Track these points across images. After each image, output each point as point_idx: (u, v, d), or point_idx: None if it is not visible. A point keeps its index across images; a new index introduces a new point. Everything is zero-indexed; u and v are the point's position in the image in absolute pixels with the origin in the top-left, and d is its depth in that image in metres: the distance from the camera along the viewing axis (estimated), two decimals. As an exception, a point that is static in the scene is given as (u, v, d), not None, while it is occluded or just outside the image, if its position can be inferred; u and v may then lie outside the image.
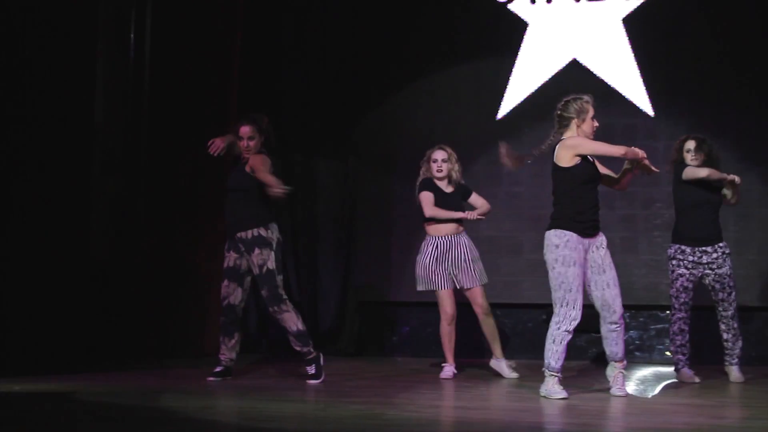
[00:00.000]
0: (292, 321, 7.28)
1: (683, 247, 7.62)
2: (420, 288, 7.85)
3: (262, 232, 7.23)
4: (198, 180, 9.11)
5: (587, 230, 6.49)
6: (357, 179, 9.79)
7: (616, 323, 6.53)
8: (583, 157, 6.53)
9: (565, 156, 6.49)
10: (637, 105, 9.31)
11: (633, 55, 9.33)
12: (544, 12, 9.60)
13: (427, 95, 9.82)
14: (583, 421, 5.66)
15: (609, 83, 9.37)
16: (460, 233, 7.82)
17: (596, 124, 6.67)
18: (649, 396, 6.73)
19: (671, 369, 7.86)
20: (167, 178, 9.06)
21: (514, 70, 9.57)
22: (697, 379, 7.50)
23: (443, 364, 7.83)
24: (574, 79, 9.38)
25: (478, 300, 7.79)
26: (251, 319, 9.72)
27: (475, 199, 7.97)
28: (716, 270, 7.56)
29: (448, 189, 7.87)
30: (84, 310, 8.24)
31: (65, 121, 8.04)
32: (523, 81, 9.55)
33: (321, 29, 9.91)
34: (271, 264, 7.24)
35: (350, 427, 5.32)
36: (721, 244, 7.61)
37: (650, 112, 9.29)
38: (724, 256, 7.58)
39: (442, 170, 7.80)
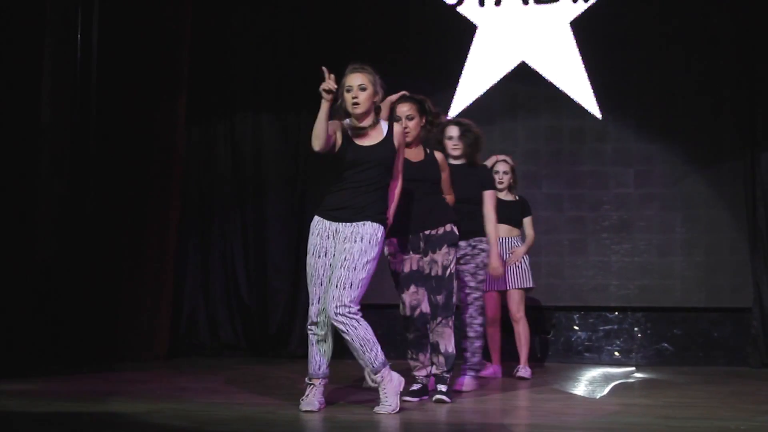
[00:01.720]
0: (451, 340, 6.34)
1: None
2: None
3: (454, 228, 6.42)
4: (146, 180, 9.03)
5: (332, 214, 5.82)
6: (307, 178, 9.70)
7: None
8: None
9: None
10: (585, 107, 9.36)
11: (581, 57, 9.39)
12: (493, 15, 9.64)
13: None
14: (527, 421, 5.69)
15: (557, 86, 9.42)
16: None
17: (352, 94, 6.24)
18: (597, 396, 6.76)
19: (620, 369, 7.89)
20: (115, 178, 8.97)
21: (463, 72, 9.59)
22: (467, 388, 6.86)
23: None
24: (523, 81, 9.45)
25: None
26: (201, 322, 9.63)
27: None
28: None
29: (508, 197, 8.13)
30: (30, 311, 8.13)
31: (11, 121, 7.93)
32: (473, 83, 9.58)
33: (270, 22, 9.83)
34: (454, 267, 6.43)
35: (300, 430, 5.29)
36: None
37: (598, 114, 9.35)
38: None
39: (503, 182, 8.10)
